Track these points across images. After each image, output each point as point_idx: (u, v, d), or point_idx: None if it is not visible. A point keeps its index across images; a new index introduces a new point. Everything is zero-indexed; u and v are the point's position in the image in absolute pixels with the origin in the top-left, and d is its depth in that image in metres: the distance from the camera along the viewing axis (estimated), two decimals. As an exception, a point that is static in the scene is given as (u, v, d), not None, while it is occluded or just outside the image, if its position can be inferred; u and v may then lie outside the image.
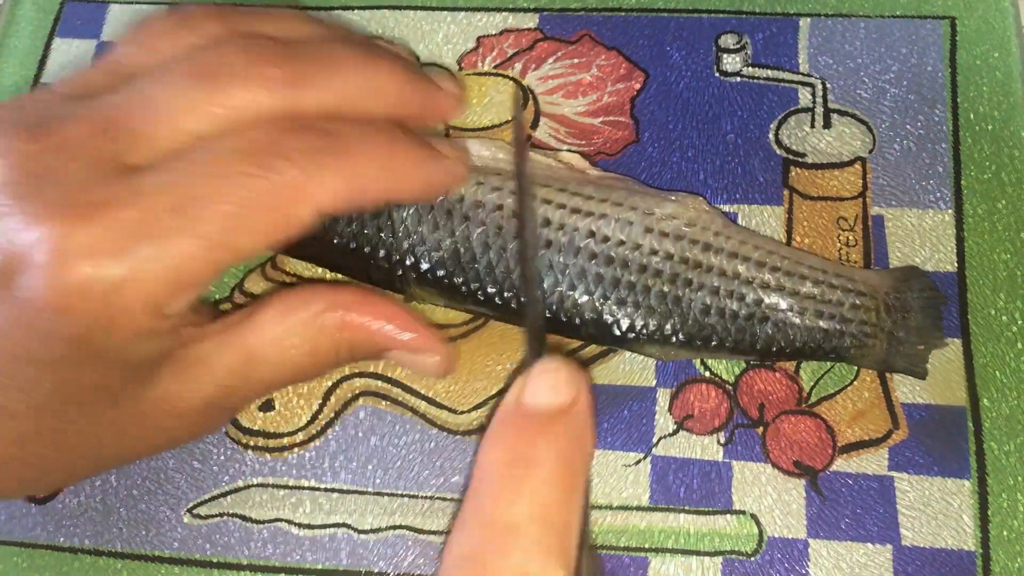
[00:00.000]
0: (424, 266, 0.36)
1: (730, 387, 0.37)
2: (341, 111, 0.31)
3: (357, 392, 0.38)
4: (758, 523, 0.35)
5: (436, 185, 0.33)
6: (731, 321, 0.35)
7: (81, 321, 0.26)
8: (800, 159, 0.40)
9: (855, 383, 0.37)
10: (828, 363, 0.37)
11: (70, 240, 0.26)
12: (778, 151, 0.41)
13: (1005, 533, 0.34)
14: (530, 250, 0.34)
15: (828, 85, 0.42)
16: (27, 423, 0.28)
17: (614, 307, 0.35)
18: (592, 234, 0.35)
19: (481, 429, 0.37)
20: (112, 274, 0.26)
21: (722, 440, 0.36)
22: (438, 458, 0.37)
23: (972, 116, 0.41)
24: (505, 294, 0.36)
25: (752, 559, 0.35)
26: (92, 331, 0.27)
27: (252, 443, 0.38)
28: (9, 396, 0.28)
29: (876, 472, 0.35)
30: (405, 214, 0.36)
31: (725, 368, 0.37)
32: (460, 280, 0.36)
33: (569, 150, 0.41)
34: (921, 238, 0.39)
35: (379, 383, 0.38)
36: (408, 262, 0.36)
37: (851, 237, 0.39)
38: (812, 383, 0.37)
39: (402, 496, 0.37)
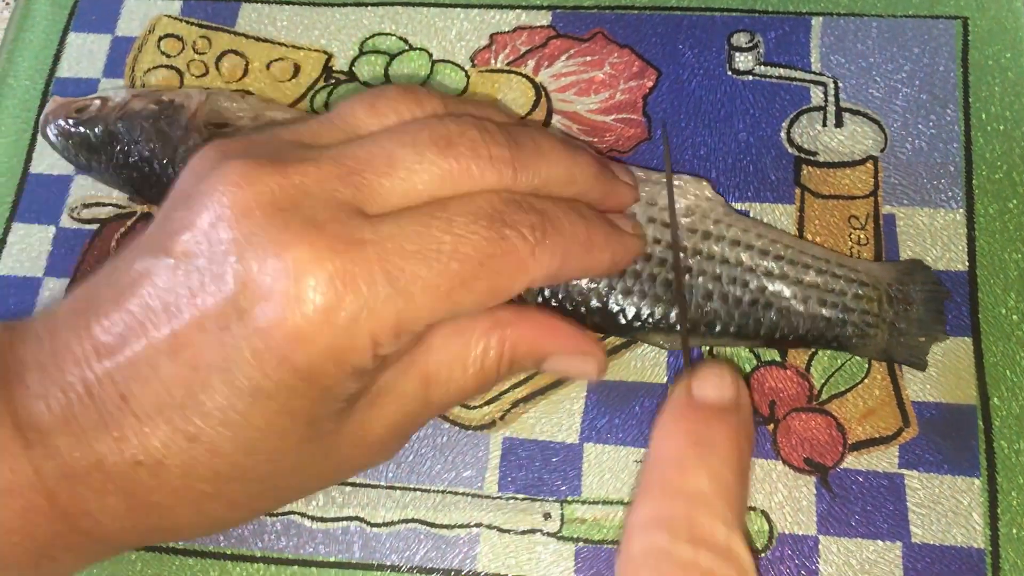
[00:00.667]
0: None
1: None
2: (542, 193, 0.32)
3: (370, 386, 0.39)
4: (768, 519, 0.35)
5: (622, 262, 0.35)
6: (734, 307, 0.36)
7: (316, 351, 0.27)
8: (812, 158, 0.41)
9: (866, 381, 0.37)
10: (838, 361, 0.37)
11: (318, 269, 0.26)
12: (790, 149, 0.41)
13: (1015, 531, 0.34)
14: (680, 275, 0.36)
15: (840, 84, 0.42)
16: (228, 461, 0.28)
17: (619, 296, 0.36)
18: None
19: (492, 424, 0.37)
20: (353, 307, 0.27)
21: (733, 437, 0.36)
22: (450, 452, 0.37)
23: (984, 116, 0.41)
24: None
25: (763, 555, 0.35)
26: (323, 362, 0.27)
27: (265, 436, 0.38)
28: (219, 432, 0.28)
29: (886, 470, 0.36)
30: None
31: (742, 361, 0.38)
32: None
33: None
34: (932, 237, 0.39)
35: (392, 378, 0.39)
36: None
37: (862, 236, 0.39)
38: (823, 381, 0.37)
39: (414, 490, 0.37)
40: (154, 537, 0.33)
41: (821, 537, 0.35)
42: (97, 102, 0.41)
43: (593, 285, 0.36)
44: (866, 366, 0.37)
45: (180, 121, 0.40)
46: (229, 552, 0.36)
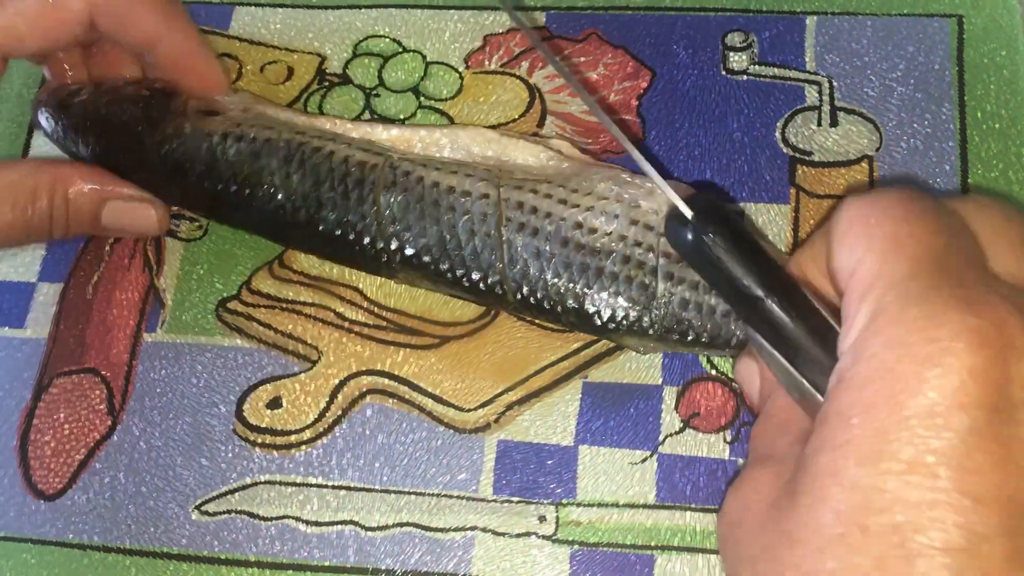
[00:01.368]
0: (409, 251, 0.37)
1: (736, 385, 0.37)
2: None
3: (364, 390, 0.38)
4: (764, 521, 0.35)
5: (201, 66, 0.39)
6: (708, 317, 0.35)
7: None
8: (807, 157, 0.40)
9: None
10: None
11: None
12: (785, 149, 0.41)
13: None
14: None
15: (835, 83, 0.42)
16: None
17: (595, 296, 0.36)
18: (579, 225, 0.36)
19: (487, 427, 0.37)
20: None
21: (728, 438, 0.36)
22: (444, 456, 0.37)
23: (979, 114, 0.40)
24: (489, 280, 0.36)
25: (758, 557, 0.35)
26: None
27: (260, 440, 0.38)
28: None
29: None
30: (392, 199, 0.37)
31: (731, 366, 0.37)
32: (446, 266, 0.36)
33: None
34: (928, 236, 0.39)
35: (386, 381, 0.38)
36: (393, 247, 0.37)
37: (858, 235, 0.39)
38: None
39: (409, 493, 0.37)
40: None
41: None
42: (90, 87, 0.41)
43: (570, 285, 0.36)
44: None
45: (170, 107, 0.40)
46: (224, 557, 0.36)
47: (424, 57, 0.45)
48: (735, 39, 0.43)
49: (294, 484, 0.37)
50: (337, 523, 0.37)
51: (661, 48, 0.44)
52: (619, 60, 0.44)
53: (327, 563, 0.36)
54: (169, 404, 0.39)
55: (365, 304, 0.40)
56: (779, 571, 0.24)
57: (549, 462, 0.37)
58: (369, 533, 0.36)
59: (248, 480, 0.37)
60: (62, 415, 0.39)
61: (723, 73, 0.43)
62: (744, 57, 0.43)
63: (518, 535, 0.36)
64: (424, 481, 0.37)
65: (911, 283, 0.23)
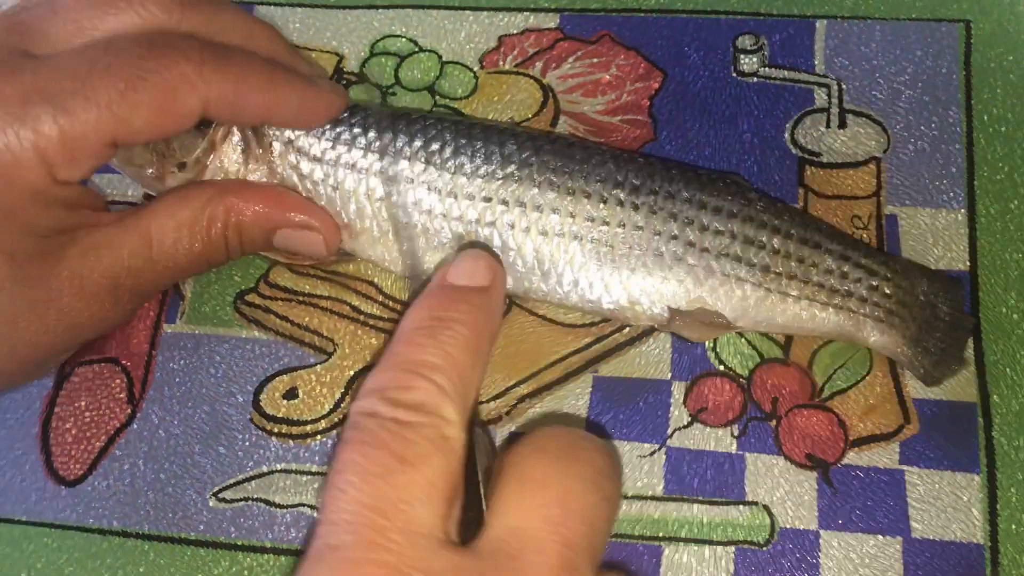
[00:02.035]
0: None
1: (744, 381, 0.38)
2: (224, 40, 0.35)
3: (378, 382, 0.39)
4: (770, 514, 0.36)
5: (316, 111, 0.37)
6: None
7: None
8: (815, 158, 0.41)
9: (867, 378, 0.37)
10: (841, 359, 0.38)
11: None
12: (794, 150, 0.41)
13: (1014, 527, 0.35)
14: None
15: (844, 86, 0.42)
16: None
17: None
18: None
19: (499, 419, 0.38)
20: (8, 124, 0.29)
21: (736, 432, 0.37)
22: (457, 447, 0.38)
23: (986, 118, 0.41)
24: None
25: (764, 549, 0.35)
26: None
27: (276, 430, 0.39)
28: None
29: (887, 466, 0.36)
30: None
31: (739, 362, 0.38)
32: None
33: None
34: (934, 237, 0.39)
35: (400, 373, 0.39)
36: None
37: (865, 235, 0.39)
38: (825, 378, 0.37)
39: (422, 483, 0.37)
40: None
41: (822, 532, 0.35)
42: None
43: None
44: (868, 364, 0.38)
45: None
46: (240, 543, 0.37)
47: (440, 57, 0.45)
48: (746, 42, 0.44)
49: (309, 473, 0.38)
50: (351, 511, 0.37)
51: (673, 50, 0.44)
52: (631, 61, 0.44)
53: (341, 550, 0.37)
54: (188, 393, 0.40)
55: (380, 298, 0.41)
56: None
57: (559, 454, 0.37)
58: (382, 521, 0.37)
59: (264, 468, 0.38)
60: (83, 403, 0.40)
61: (734, 75, 0.43)
62: (755, 59, 0.43)
63: (528, 525, 0.36)
64: (437, 471, 0.38)
65: None
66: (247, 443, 0.39)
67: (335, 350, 0.40)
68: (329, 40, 0.47)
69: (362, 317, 0.40)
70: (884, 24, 0.44)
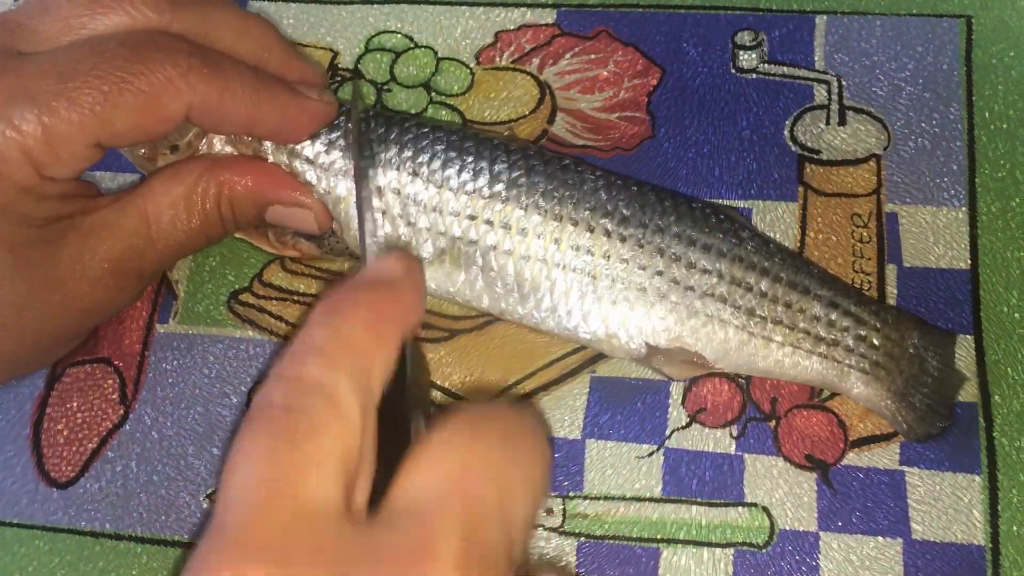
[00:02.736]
0: None
1: (743, 381, 0.37)
2: (215, 39, 0.34)
3: (374, 382, 0.39)
4: (770, 516, 0.35)
5: (301, 123, 0.36)
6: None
7: None
8: (815, 156, 0.41)
9: (867, 378, 0.37)
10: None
11: None
12: (793, 148, 0.41)
13: (1015, 528, 0.34)
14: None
15: (844, 82, 0.42)
16: None
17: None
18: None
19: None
20: None
21: (735, 433, 0.37)
22: (453, 448, 0.37)
23: (987, 114, 0.41)
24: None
25: (763, 551, 0.35)
26: None
27: (270, 431, 0.38)
28: None
29: (887, 466, 0.36)
30: None
31: (738, 362, 0.38)
32: None
33: (585, 146, 0.42)
34: (935, 235, 0.39)
35: (396, 373, 0.39)
36: None
37: (865, 233, 0.39)
38: (825, 378, 0.37)
39: (418, 485, 0.37)
40: None
41: (822, 533, 0.35)
42: None
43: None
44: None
45: None
46: (234, 545, 0.37)
47: (435, 53, 0.45)
48: (745, 38, 0.43)
49: (304, 474, 0.38)
50: (346, 513, 0.37)
51: (671, 46, 0.44)
52: (629, 58, 0.44)
53: (336, 552, 0.36)
54: (181, 394, 0.39)
55: (375, 297, 0.40)
56: None
57: (557, 455, 0.37)
58: (378, 523, 0.37)
59: (258, 470, 0.38)
60: (75, 404, 0.40)
61: (733, 71, 0.43)
62: (754, 56, 0.43)
63: (525, 527, 0.36)
64: (433, 473, 0.37)
65: None
66: (241, 444, 0.38)
67: (330, 350, 0.40)
68: (324, 36, 0.46)
69: (357, 317, 0.40)
70: (884, 20, 0.43)
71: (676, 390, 0.37)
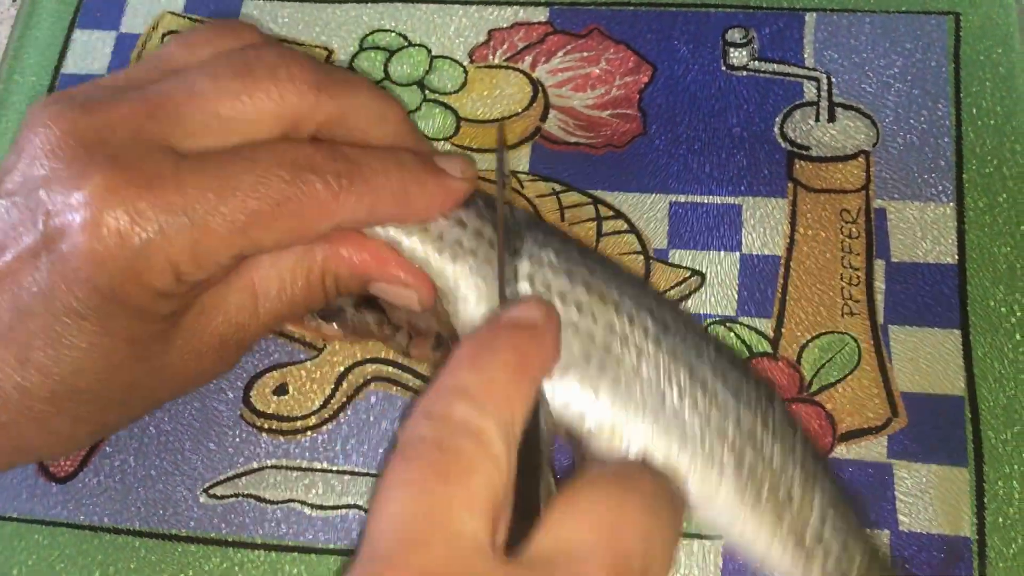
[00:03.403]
0: None
1: (733, 375, 0.38)
2: (353, 124, 0.34)
3: (369, 377, 0.39)
4: (759, 508, 0.36)
5: (444, 206, 0.35)
6: None
7: (115, 273, 0.29)
8: (804, 152, 0.41)
9: (855, 372, 0.37)
10: (829, 352, 0.38)
11: (114, 196, 0.29)
12: (783, 144, 0.42)
13: (1000, 520, 0.35)
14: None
15: (833, 79, 0.42)
16: (59, 380, 0.30)
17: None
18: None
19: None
20: (144, 234, 0.29)
21: (724, 427, 0.37)
22: (447, 442, 0.38)
23: (975, 111, 0.41)
24: None
25: (752, 543, 0.35)
26: (124, 283, 0.29)
27: (267, 426, 0.39)
28: (46, 354, 0.30)
29: (875, 459, 0.36)
30: None
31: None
32: None
33: (577, 143, 0.42)
34: (923, 231, 0.39)
35: (390, 369, 0.39)
36: None
37: (854, 229, 0.40)
38: (813, 372, 0.38)
39: (412, 479, 0.38)
40: (15, 458, 0.34)
41: (810, 525, 0.35)
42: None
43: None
44: (856, 358, 0.38)
45: None
46: (230, 539, 0.37)
47: (429, 51, 0.45)
48: (735, 35, 0.44)
49: (300, 468, 0.38)
50: (342, 507, 0.37)
51: (662, 44, 0.44)
52: (621, 55, 0.44)
53: (332, 546, 0.37)
54: (178, 390, 0.40)
55: (370, 294, 0.41)
56: None
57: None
58: (373, 517, 0.37)
59: (255, 464, 0.38)
60: (73, 400, 0.40)
61: (723, 69, 0.43)
62: (744, 53, 0.43)
63: (518, 520, 0.37)
64: (427, 467, 0.38)
65: None
66: (238, 439, 0.39)
67: (325, 346, 0.40)
68: (318, 35, 0.46)
69: (352, 313, 0.40)
70: (874, 17, 0.44)
71: (667, 384, 0.38)
